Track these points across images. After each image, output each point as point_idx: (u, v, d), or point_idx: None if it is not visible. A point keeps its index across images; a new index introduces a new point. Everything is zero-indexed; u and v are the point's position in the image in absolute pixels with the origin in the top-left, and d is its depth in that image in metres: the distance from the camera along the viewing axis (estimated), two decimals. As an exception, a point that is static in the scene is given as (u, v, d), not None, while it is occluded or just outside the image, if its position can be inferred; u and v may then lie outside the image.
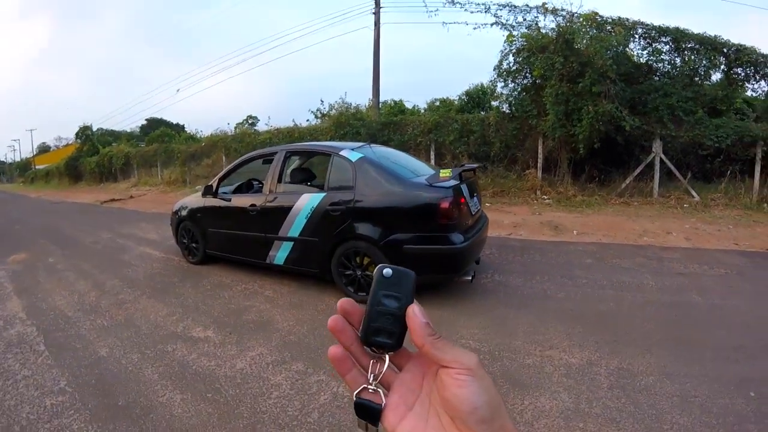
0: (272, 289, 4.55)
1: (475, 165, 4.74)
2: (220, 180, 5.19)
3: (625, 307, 3.67)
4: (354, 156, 4.14)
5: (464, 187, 3.98)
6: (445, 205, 3.61)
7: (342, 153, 4.21)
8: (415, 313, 0.43)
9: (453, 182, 3.79)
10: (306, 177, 4.93)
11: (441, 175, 3.90)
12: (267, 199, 4.58)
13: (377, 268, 0.46)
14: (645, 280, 4.32)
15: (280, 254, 4.51)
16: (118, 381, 2.91)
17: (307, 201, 4.22)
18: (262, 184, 5.50)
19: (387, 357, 0.45)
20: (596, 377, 2.57)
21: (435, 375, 0.43)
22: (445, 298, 4.02)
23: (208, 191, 5.12)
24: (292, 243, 4.38)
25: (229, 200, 5.02)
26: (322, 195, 4.17)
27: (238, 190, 5.36)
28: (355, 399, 0.44)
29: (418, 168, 4.51)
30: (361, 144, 4.63)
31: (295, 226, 4.29)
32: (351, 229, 3.98)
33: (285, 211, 4.35)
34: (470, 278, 3.96)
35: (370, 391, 0.44)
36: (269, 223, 4.52)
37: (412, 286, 0.45)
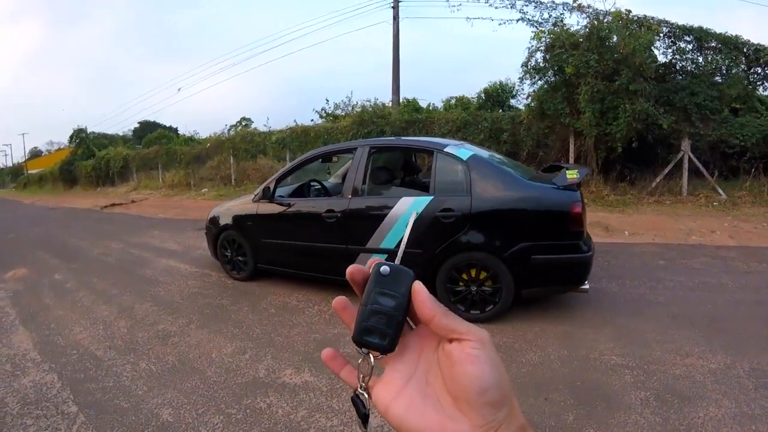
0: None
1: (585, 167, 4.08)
2: (278, 182, 4.03)
3: (722, 308, 3.38)
4: (464, 153, 3.23)
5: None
6: (578, 209, 3.01)
7: (448, 149, 3.29)
8: (421, 287, 0.37)
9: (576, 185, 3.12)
10: (391, 177, 3.88)
11: (568, 176, 3.12)
12: (350, 203, 3.49)
13: (374, 264, 0.38)
14: (722, 279, 4.01)
15: None
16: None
17: (409, 206, 3.21)
18: (323, 185, 4.41)
19: (372, 358, 0.37)
20: (740, 380, 2.38)
21: (434, 351, 0.37)
22: (557, 310, 3.41)
23: (265, 195, 3.95)
24: (385, 257, 3.29)
25: (290, 205, 3.87)
26: (428, 198, 3.17)
27: (298, 194, 4.23)
28: (353, 395, 0.39)
29: (520, 167, 3.76)
30: (456, 141, 3.79)
31: (390, 235, 3.25)
32: (466, 238, 3.06)
33: (378, 218, 3.31)
34: (587, 288, 3.25)
35: (360, 391, 0.38)
36: (353, 232, 3.47)
37: (410, 286, 0.37)
